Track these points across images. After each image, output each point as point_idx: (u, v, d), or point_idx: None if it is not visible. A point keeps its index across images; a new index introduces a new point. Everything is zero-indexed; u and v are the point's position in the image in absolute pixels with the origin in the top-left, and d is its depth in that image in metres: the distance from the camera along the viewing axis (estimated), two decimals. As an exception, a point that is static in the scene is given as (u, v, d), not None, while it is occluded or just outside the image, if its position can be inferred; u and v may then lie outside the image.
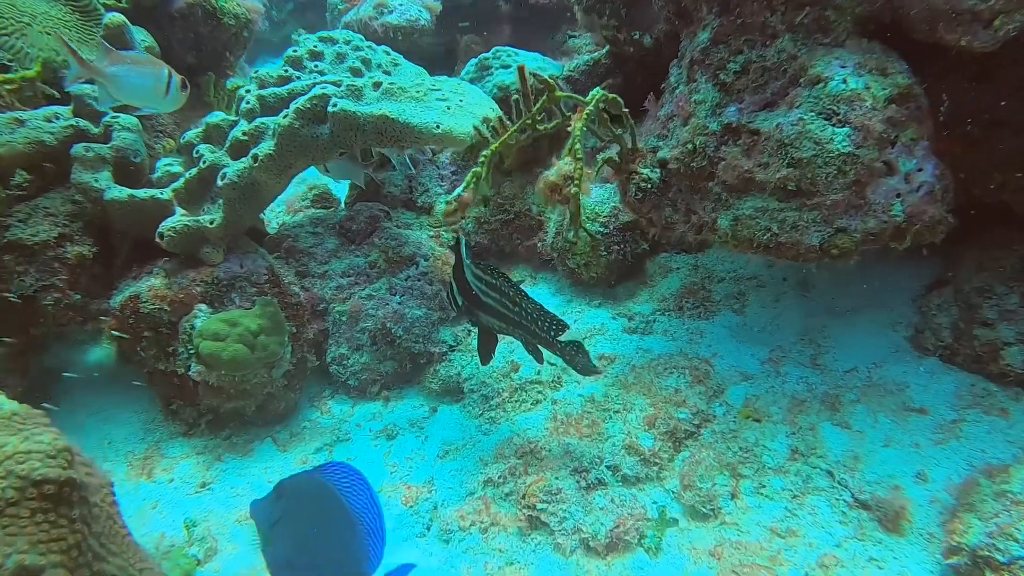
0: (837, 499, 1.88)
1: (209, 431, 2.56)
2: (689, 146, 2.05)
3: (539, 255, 3.04)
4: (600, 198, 2.80)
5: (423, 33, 4.62)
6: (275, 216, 3.37)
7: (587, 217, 2.82)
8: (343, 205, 3.33)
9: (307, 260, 2.77)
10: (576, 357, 1.94)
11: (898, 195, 1.74)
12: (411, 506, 2.18)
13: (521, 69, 1.90)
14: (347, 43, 2.85)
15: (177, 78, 2.31)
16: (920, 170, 1.74)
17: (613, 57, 3.22)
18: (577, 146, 1.84)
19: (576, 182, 1.82)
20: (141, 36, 3.23)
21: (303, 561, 1.43)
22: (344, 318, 2.69)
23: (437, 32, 4.74)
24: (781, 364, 2.32)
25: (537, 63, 3.18)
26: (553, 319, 1.95)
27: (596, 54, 3.24)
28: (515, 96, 2.10)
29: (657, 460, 2.13)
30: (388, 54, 2.93)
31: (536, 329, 1.95)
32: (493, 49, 3.20)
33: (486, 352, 2.09)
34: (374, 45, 2.91)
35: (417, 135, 2.15)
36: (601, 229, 2.76)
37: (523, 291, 1.99)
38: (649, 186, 2.20)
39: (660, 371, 2.38)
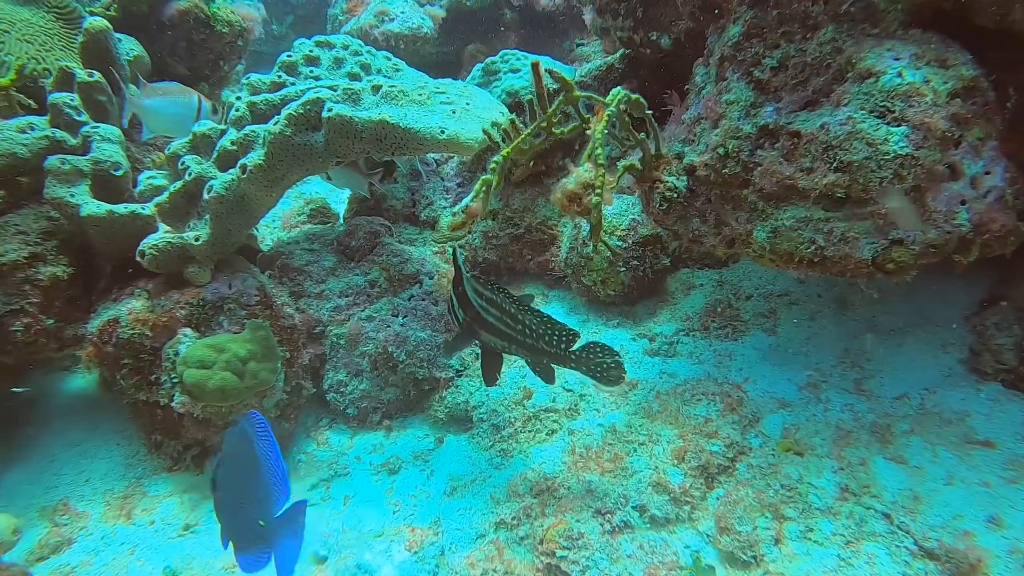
0: (898, 546, 1.66)
1: (196, 466, 2.35)
2: (720, 151, 1.86)
3: (551, 272, 2.84)
4: (618, 210, 2.61)
5: (426, 41, 4.45)
6: (270, 232, 3.18)
7: (604, 231, 2.62)
8: (342, 220, 3.14)
9: (302, 279, 2.58)
10: (595, 363, 1.78)
11: (963, 202, 1.54)
12: (416, 551, 1.97)
13: (536, 66, 1.72)
14: (345, 48, 2.67)
15: (208, 103, 2.31)
16: (988, 173, 1.55)
17: (627, 61, 3.04)
18: (598, 151, 1.64)
19: (598, 191, 1.63)
20: (130, 45, 3.06)
21: (228, 500, 1.58)
22: (342, 342, 2.49)
23: (440, 40, 4.58)
24: (821, 390, 2.11)
25: (548, 66, 2.99)
26: (562, 329, 1.78)
27: (609, 58, 3.06)
28: (528, 97, 1.93)
29: (688, 499, 1.91)
30: (389, 59, 2.75)
31: (543, 346, 1.77)
32: (500, 52, 3.02)
33: (491, 374, 1.91)
34: (373, 50, 2.74)
35: (420, 142, 1.96)
36: (619, 243, 2.56)
37: (526, 305, 1.81)
38: (675, 195, 2.01)
39: (687, 398, 2.17)
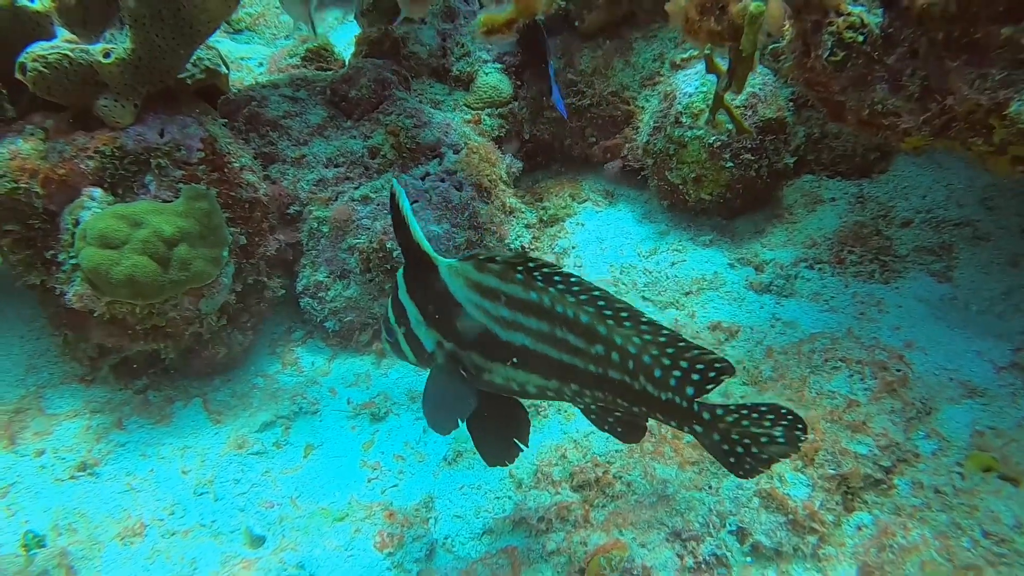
0: None
1: (116, 378, 1.73)
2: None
3: (623, 162, 2.07)
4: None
5: None
6: (251, 77, 2.42)
7: (703, 109, 1.82)
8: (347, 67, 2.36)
9: (277, 136, 1.86)
10: (748, 435, 1.00)
11: None
12: (389, 552, 1.33)
13: None
14: None
15: None
16: None
17: None
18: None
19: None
20: None
21: None
22: (325, 228, 1.80)
23: None
24: (1036, 375, 1.36)
25: None
26: (693, 353, 0.98)
27: None
28: None
29: (816, 525, 1.22)
30: None
31: (644, 386, 0.99)
32: None
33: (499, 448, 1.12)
34: None
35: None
36: (730, 127, 1.77)
37: (603, 290, 1.02)
38: (859, 39, 1.21)
39: (817, 363, 1.46)
